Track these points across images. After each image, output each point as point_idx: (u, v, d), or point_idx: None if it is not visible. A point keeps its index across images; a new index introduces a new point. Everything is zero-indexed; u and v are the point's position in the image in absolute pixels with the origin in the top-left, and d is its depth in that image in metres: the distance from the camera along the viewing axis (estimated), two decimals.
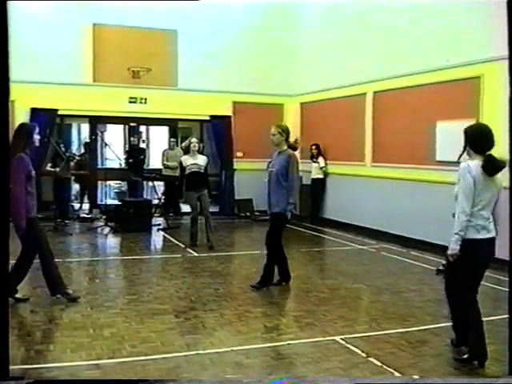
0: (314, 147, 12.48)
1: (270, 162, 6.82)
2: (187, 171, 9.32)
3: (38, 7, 11.55)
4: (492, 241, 4.36)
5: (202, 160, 9.41)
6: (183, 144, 9.57)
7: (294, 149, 6.85)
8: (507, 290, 4.48)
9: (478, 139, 4.33)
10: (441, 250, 8.33)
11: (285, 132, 6.68)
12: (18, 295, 5.82)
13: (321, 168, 12.47)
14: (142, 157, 12.89)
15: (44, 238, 6.01)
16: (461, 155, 4.44)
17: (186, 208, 12.77)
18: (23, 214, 5.48)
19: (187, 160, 9.38)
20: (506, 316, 4.07)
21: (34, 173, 5.72)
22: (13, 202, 5.39)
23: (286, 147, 6.69)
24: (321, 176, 12.53)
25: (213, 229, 9.50)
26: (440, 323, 5.36)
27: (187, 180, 9.37)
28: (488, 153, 4.26)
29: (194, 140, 9.55)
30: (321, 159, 12.50)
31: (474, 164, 4.27)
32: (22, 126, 5.89)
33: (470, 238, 4.29)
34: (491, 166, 4.22)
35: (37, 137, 5.77)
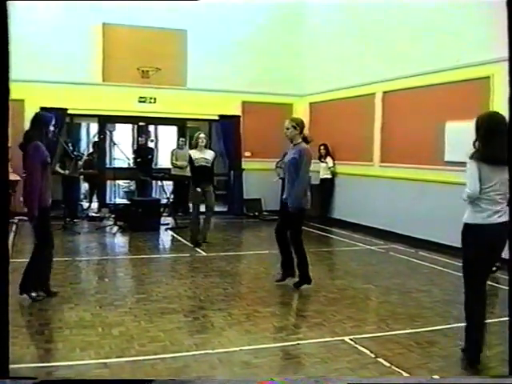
0: (322, 147, 12.46)
1: (280, 161, 6.80)
2: (196, 164, 9.29)
3: (47, 7, 11.59)
4: (499, 226, 4.22)
5: (209, 155, 9.44)
6: (193, 141, 9.64)
7: (308, 142, 6.81)
8: (507, 289, 4.44)
9: (489, 133, 4.31)
10: (449, 250, 8.34)
11: (299, 126, 6.62)
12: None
13: (329, 168, 12.47)
14: (150, 156, 12.92)
15: (51, 232, 5.97)
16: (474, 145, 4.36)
17: None
18: (36, 203, 5.44)
19: (195, 153, 9.35)
20: (507, 318, 4.03)
21: (49, 160, 5.70)
22: (28, 190, 5.42)
23: (300, 140, 6.62)
24: (329, 176, 12.52)
25: (211, 227, 9.58)
26: (449, 324, 5.34)
27: (195, 174, 9.34)
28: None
29: (201, 135, 9.52)
30: (329, 159, 12.50)
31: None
32: (38, 115, 5.87)
33: (474, 223, 4.27)
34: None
35: (52, 128, 5.76)
